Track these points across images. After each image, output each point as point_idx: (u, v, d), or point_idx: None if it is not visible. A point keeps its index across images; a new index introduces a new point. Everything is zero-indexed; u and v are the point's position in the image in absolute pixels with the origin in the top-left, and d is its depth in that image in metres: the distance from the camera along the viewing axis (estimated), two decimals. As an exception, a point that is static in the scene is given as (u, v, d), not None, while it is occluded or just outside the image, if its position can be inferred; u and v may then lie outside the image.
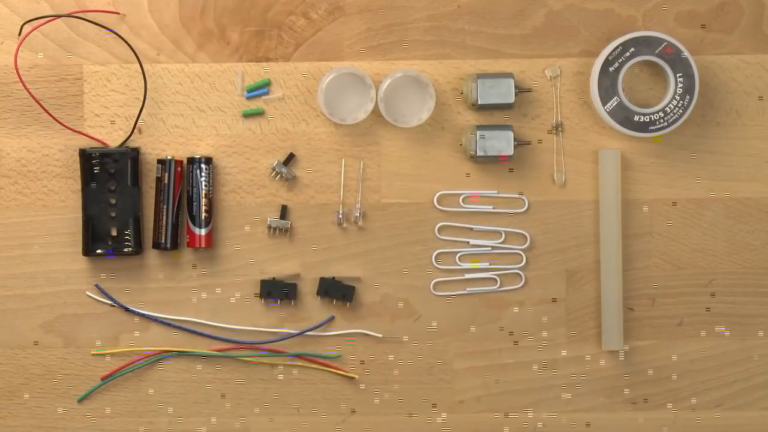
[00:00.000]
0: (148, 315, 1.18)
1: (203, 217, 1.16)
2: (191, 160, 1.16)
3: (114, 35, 1.17)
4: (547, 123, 1.19)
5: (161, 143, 1.18)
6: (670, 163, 1.19)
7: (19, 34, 1.17)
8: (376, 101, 1.16)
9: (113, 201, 1.17)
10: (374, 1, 1.18)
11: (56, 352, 1.19)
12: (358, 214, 1.18)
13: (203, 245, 1.17)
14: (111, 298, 1.18)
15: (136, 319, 1.19)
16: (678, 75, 1.16)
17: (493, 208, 1.19)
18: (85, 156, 1.16)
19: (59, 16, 1.17)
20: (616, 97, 1.16)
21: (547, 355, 1.19)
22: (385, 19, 1.18)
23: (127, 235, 1.17)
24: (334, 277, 1.18)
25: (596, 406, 1.20)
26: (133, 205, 1.17)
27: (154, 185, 1.17)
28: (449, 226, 1.19)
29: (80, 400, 1.19)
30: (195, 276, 1.19)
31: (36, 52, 1.18)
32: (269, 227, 1.18)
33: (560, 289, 1.19)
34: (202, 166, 1.16)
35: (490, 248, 1.19)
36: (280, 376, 1.19)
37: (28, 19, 1.16)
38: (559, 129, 1.19)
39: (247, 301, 1.19)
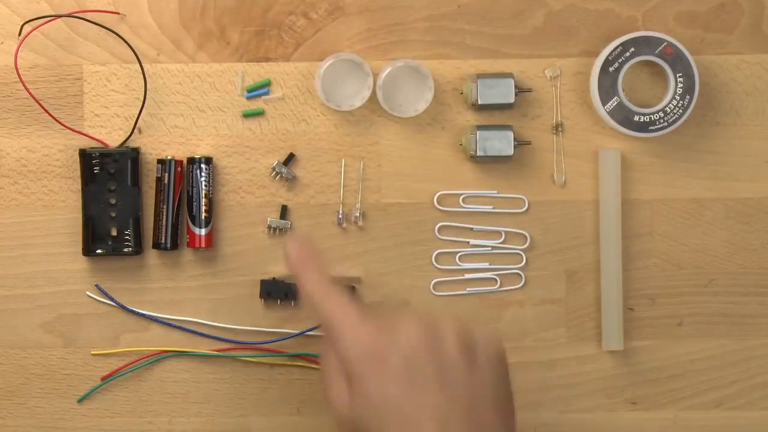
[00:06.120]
0: (148, 315, 1.18)
1: (203, 217, 1.16)
2: (191, 160, 1.16)
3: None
4: (547, 123, 1.19)
5: (161, 143, 1.18)
6: (670, 163, 1.19)
7: (19, 34, 1.17)
8: (374, 90, 1.15)
9: (113, 201, 1.16)
10: (374, 1, 1.18)
11: (56, 352, 1.19)
12: (358, 214, 1.18)
13: (203, 245, 1.17)
14: (111, 298, 1.18)
15: (136, 319, 1.19)
16: (678, 75, 1.16)
17: (493, 208, 1.19)
18: (85, 156, 1.16)
19: (59, 16, 1.17)
20: (616, 97, 1.16)
21: (547, 355, 1.19)
22: (385, 19, 1.18)
23: (127, 235, 1.17)
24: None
25: (596, 406, 1.20)
26: (133, 205, 1.17)
27: (154, 185, 1.17)
28: (449, 226, 1.19)
29: (80, 400, 1.19)
30: (195, 276, 1.19)
31: (36, 52, 1.18)
32: (269, 227, 1.18)
33: (560, 289, 1.19)
34: (202, 166, 1.16)
35: (490, 248, 1.19)
36: (280, 376, 1.19)
37: (28, 19, 1.16)
38: (559, 129, 1.19)
39: (247, 301, 1.19)
